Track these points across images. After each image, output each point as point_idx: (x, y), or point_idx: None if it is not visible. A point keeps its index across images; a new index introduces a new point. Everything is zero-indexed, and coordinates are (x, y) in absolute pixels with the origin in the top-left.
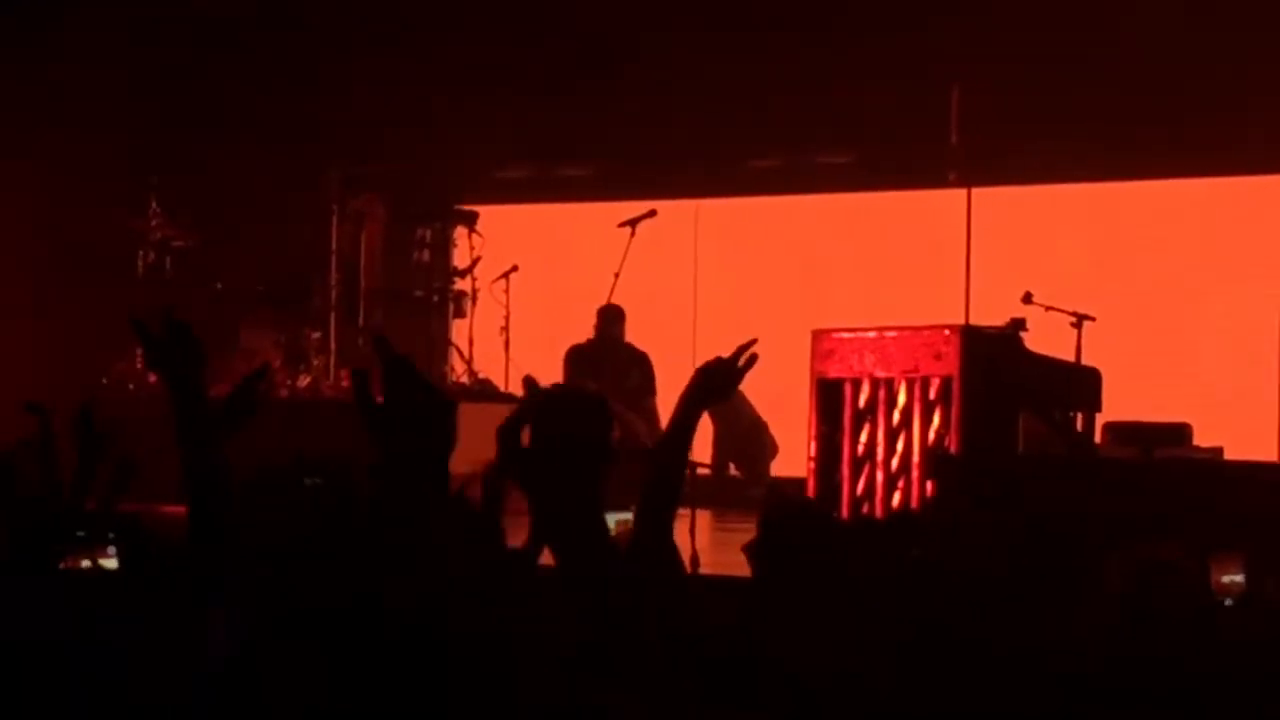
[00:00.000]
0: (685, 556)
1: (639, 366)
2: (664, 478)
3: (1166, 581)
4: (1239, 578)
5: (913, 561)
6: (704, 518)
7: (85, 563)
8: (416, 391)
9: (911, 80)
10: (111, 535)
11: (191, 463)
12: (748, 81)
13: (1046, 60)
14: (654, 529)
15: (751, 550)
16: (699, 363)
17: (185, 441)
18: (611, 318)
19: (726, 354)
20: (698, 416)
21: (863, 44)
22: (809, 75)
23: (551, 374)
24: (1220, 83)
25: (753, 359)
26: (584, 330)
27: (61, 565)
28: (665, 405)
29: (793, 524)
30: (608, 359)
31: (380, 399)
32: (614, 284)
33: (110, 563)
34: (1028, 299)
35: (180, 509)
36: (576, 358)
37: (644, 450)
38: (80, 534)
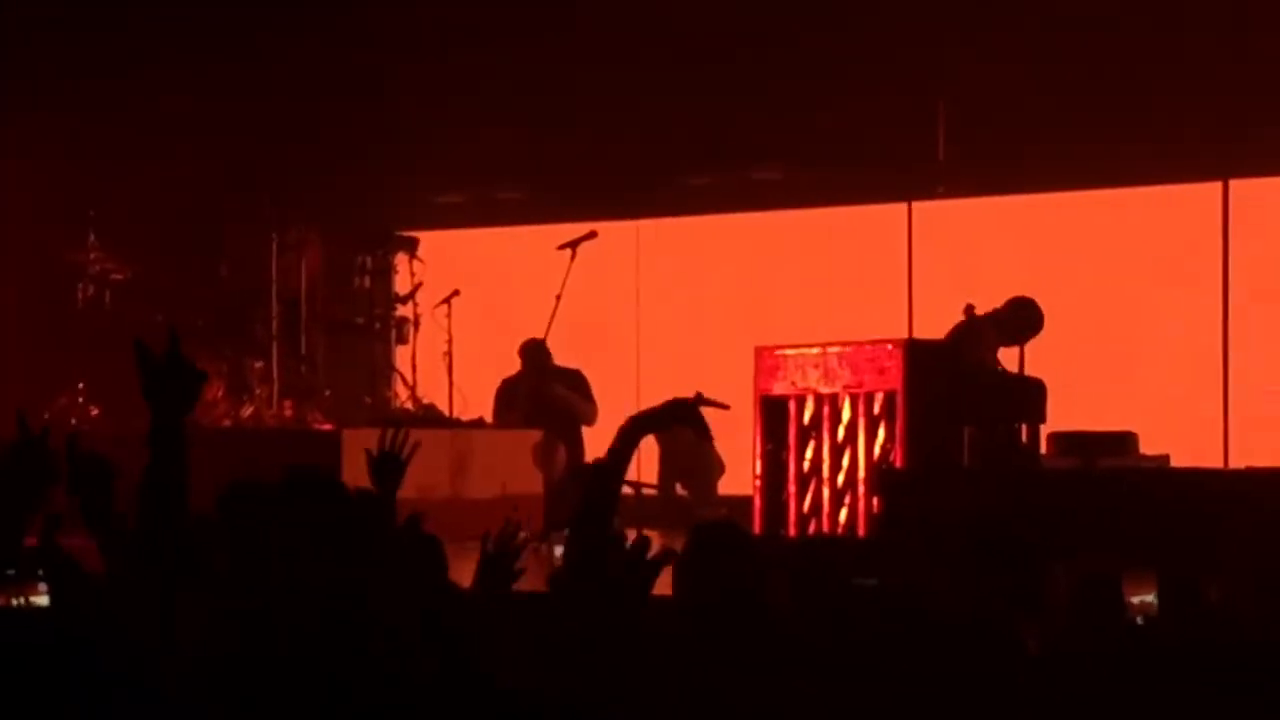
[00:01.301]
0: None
1: (566, 381)
2: (599, 493)
3: (1103, 595)
4: (1150, 598)
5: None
6: (651, 538)
7: (16, 600)
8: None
9: (846, 97)
10: (41, 572)
11: (154, 502)
12: (685, 100)
13: (995, 75)
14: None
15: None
16: (642, 381)
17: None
18: (531, 352)
19: (671, 374)
20: (639, 434)
21: (809, 60)
22: (747, 92)
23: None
24: (1155, 90)
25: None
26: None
27: None
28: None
29: (715, 544)
30: (534, 390)
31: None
32: (555, 306)
33: (40, 599)
34: (969, 312)
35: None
36: (504, 392)
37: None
38: (10, 572)
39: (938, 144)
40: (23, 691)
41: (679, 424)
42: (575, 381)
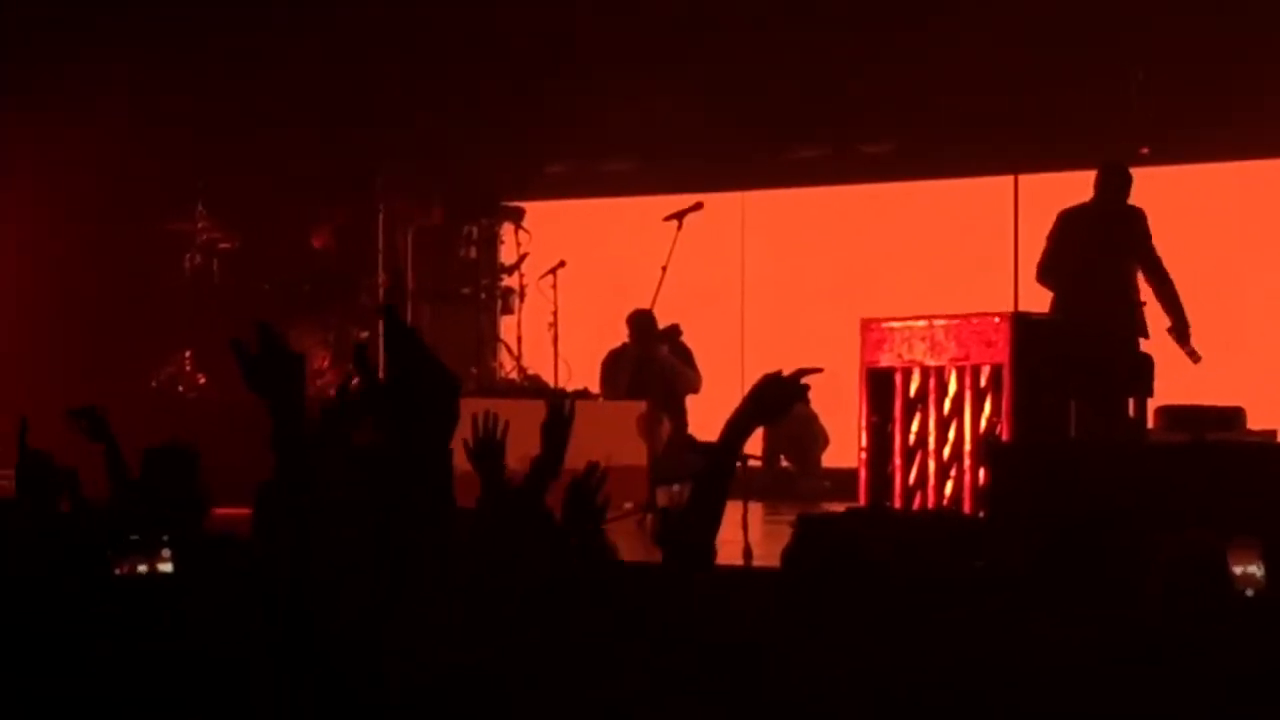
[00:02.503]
0: (738, 549)
1: (673, 346)
2: (708, 495)
3: (1205, 567)
4: (1256, 568)
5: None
6: (756, 510)
7: (141, 567)
8: (424, 369)
9: (955, 71)
10: (165, 538)
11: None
12: (791, 71)
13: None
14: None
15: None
16: (746, 354)
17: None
18: (639, 322)
19: (777, 347)
20: (748, 433)
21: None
22: (854, 63)
23: (598, 371)
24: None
25: (812, 370)
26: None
27: (117, 571)
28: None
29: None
30: (641, 364)
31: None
32: (661, 278)
33: (165, 566)
34: None
35: (238, 510)
36: (611, 363)
37: (696, 445)
38: (134, 538)
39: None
40: (146, 659)
41: (783, 406)
42: (680, 349)
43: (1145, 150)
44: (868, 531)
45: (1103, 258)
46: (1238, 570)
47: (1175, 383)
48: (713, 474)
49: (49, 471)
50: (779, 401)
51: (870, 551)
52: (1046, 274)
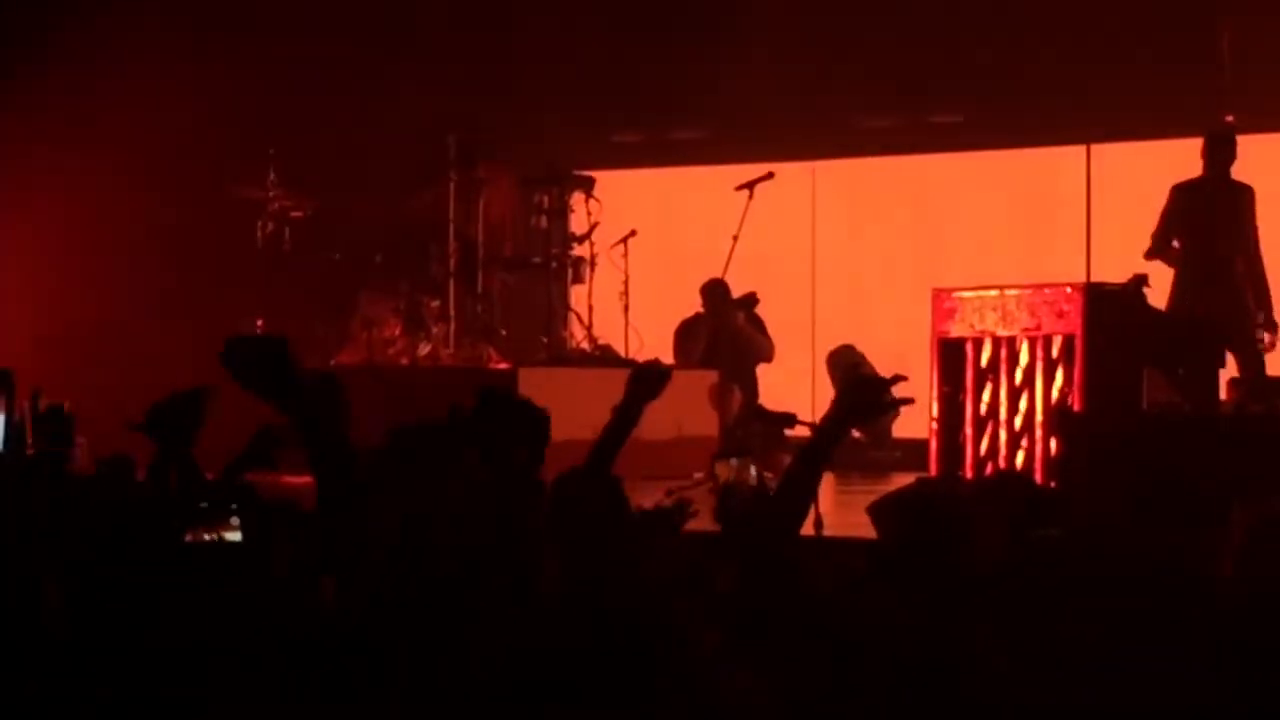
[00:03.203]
0: (810, 521)
1: (748, 313)
2: (795, 490)
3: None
4: None
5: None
6: (827, 480)
7: (208, 536)
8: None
9: (1021, 39)
10: (234, 507)
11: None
12: (863, 41)
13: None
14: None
15: (875, 512)
16: (818, 324)
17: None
18: (714, 290)
19: (847, 317)
20: (843, 435)
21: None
22: (921, 32)
23: (671, 339)
24: None
25: (905, 400)
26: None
27: (186, 539)
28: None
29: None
30: (716, 333)
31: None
32: (733, 247)
33: (234, 535)
34: (1150, 254)
35: (302, 479)
36: (685, 332)
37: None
38: (203, 506)
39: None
40: (212, 626)
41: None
42: (754, 318)
43: (1231, 118)
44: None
45: (1218, 231)
46: None
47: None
48: (799, 474)
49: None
50: (869, 405)
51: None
52: (1160, 250)
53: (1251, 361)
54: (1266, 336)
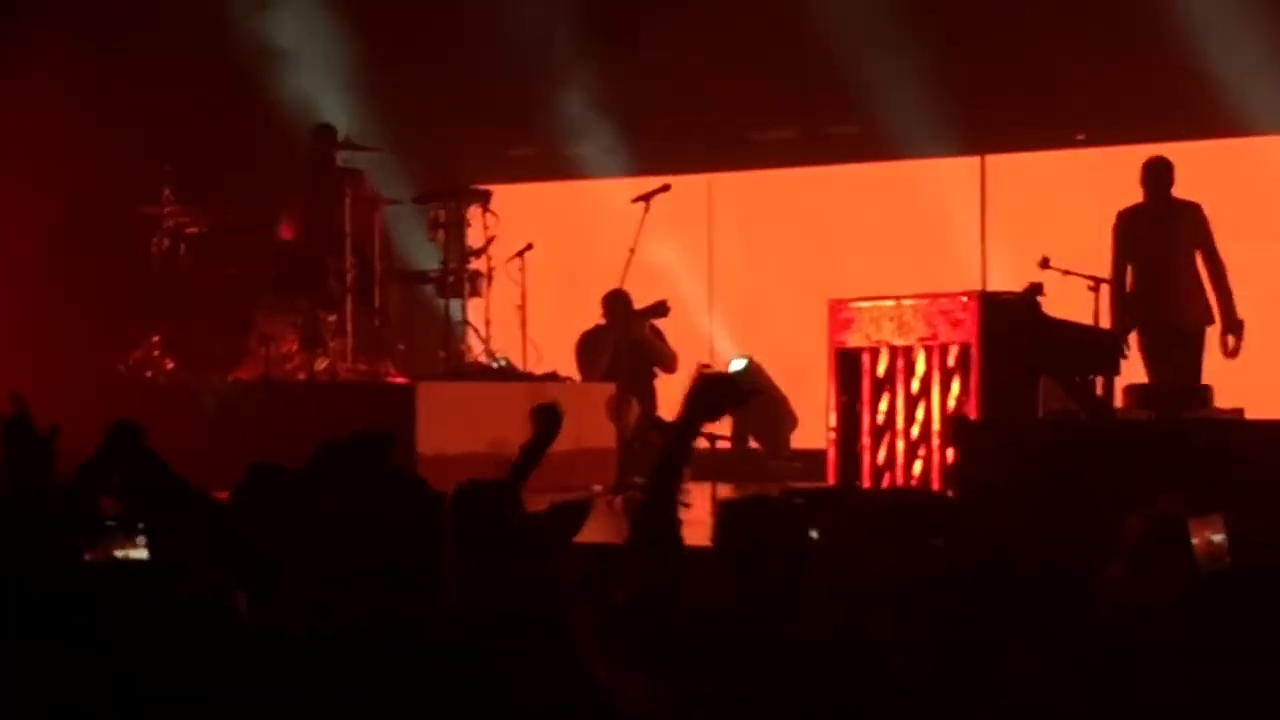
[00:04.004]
0: (707, 529)
1: (652, 324)
2: (658, 490)
3: (1172, 538)
4: (1219, 537)
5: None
6: (725, 491)
7: (116, 553)
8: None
9: (921, 51)
10: (141, 525)
11: None
12: (758, 54)
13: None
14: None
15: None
16: (716, 337)
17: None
18: (617, 301)
19: (744, 328)
20: (694, 433)
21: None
22: (816, 44)
23: (569, 352)
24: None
25: (753, 394)
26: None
27: (88, 556)
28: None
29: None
30: (620, 344)
31: None
32: (629, 259)
33: (139, 553)
34: (1045, 264)
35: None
36: (589, 344)
37: (664, 426)
38: (110, 523)
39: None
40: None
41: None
42: (655, 329)
43: (1081, 136)
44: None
45: (1169, 253)
46: (1203, 542)
47: (1142, 362)
48: (657, 475)
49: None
50: (715, 401)
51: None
52: (1122, 273)
53: (1191, 366)
54: (1230, 340)
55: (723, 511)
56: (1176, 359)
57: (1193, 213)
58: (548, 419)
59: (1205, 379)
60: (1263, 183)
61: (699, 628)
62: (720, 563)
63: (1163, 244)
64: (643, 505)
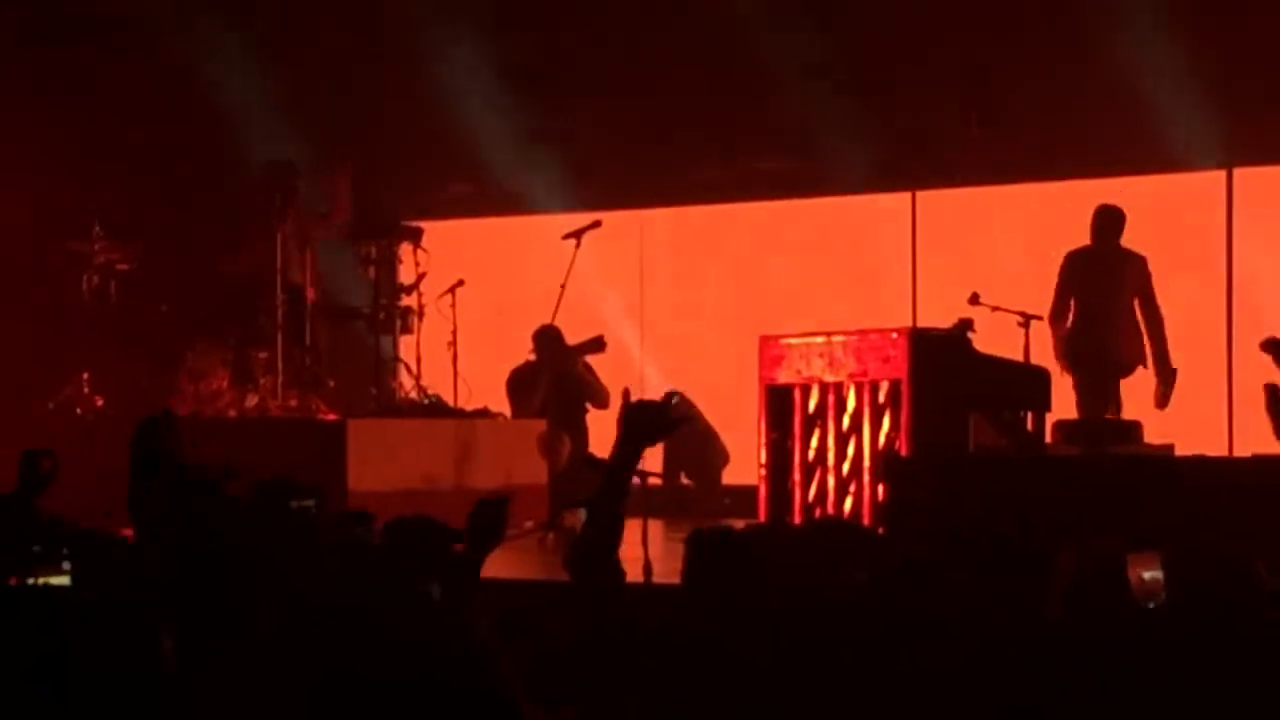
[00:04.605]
0: (639, 566)
1: (585, 360)
2: (604, 512)
3: (1105, 574)
4: (1157, 574)
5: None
6: (656, 527)
7: (35, 579)
8: None
9: (854, 89)
10: (66, 551)
11: None
12: (689, 91)
13: (998, 65)
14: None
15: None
16: (647, 372)
17: None
18: (550, 338)
19: (674, 364)
20: (636, 459)
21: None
22: (751, 84)
23: (499, 388)
24: (1155, 78)
25: (681, 420)
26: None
27: (13, 581)
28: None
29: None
30: (544, 381)
31: None
32: (560, 296)
33: (62, 579)
34: (975, 300)
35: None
36: (518, 381)
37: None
38: (35, 549)
39: (942, 132)
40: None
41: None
42: (588, 367)
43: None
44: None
45: (1112, 297)
46: (1138, 579)
47: (1071, 398)
48: (605, 494)
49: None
50: (649, 426)
51: (771, 562)
52: (1061, 312)
53: (1117, 399)
54: (1160, 390)
55: (697, 544)
56: (1110, 393)
57: (1138, 262)
58: (486, 512)
59: (1135, 416)
60: (1191, 218)
61: (669, 661)
62: (691, 595)
63: (1107, 288)
64: (584, 538)
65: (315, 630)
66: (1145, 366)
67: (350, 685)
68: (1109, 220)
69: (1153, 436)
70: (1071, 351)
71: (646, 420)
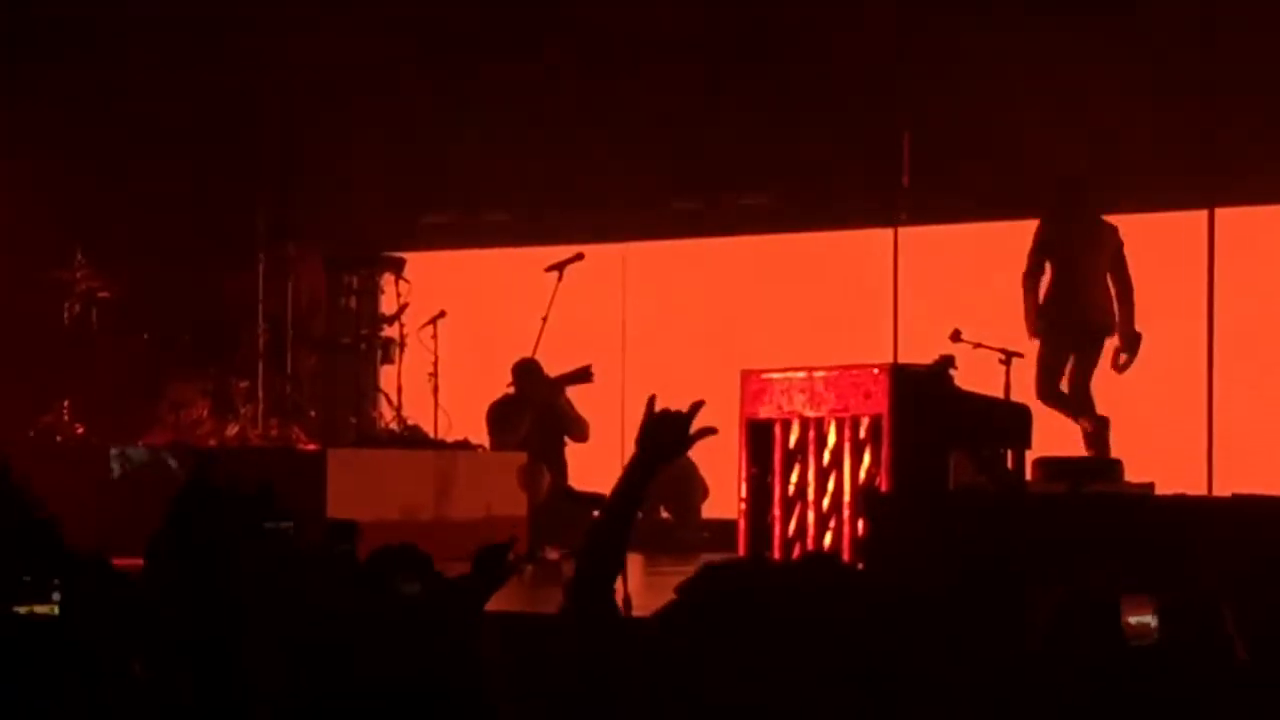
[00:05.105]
0: (618, 599)
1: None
2: (607, 536)
3: (1087, 615)
4: (1150, 619)
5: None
6: (635, 561)
7: (21, 608)
8: None
9: (837, 124)
10: (57, 582)
11: None
12: (672, 123)
13: (978, 102)
14: (593, 585)
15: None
16: (627, 405)
17: None
18: (531, 371)
19: (657, 397)
20: (649, 477)
21: (797, 87)
22: (734, 117)
23: (480, 420)
24: (1139, 118)
25: (708, 430)
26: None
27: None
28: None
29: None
30: (528, 413)
31: None
32: (541, 328)
33: (46, 609)
34: (956, 336)
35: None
36: (498, 414)
37: (575, 495)
38: (26, 579)
39: (904, 171)
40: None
41: (678, 443)
42: (568, 400)
43: (904, 215)
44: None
45: (1088, 266)
46: (1131, 621)
47: (1052, 436)
48: (611, 515)
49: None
50: (673, 440)
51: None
52: (1035, 273)
53: (1088, 368)
54: (1123, 357)
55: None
56: (1080, 360)
57: (1112, 233)
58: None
59: (1116, 453)
60: (1176, 260)
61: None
62: (695, 628)
63: (1086, 259)
64: (582, 563)
65: (301, 633)
66: (1113, 335)
67: (330, 685)
68: (1078, 190)
69: (1133, 475)
70: (1045, 318)
71: (668, 436)
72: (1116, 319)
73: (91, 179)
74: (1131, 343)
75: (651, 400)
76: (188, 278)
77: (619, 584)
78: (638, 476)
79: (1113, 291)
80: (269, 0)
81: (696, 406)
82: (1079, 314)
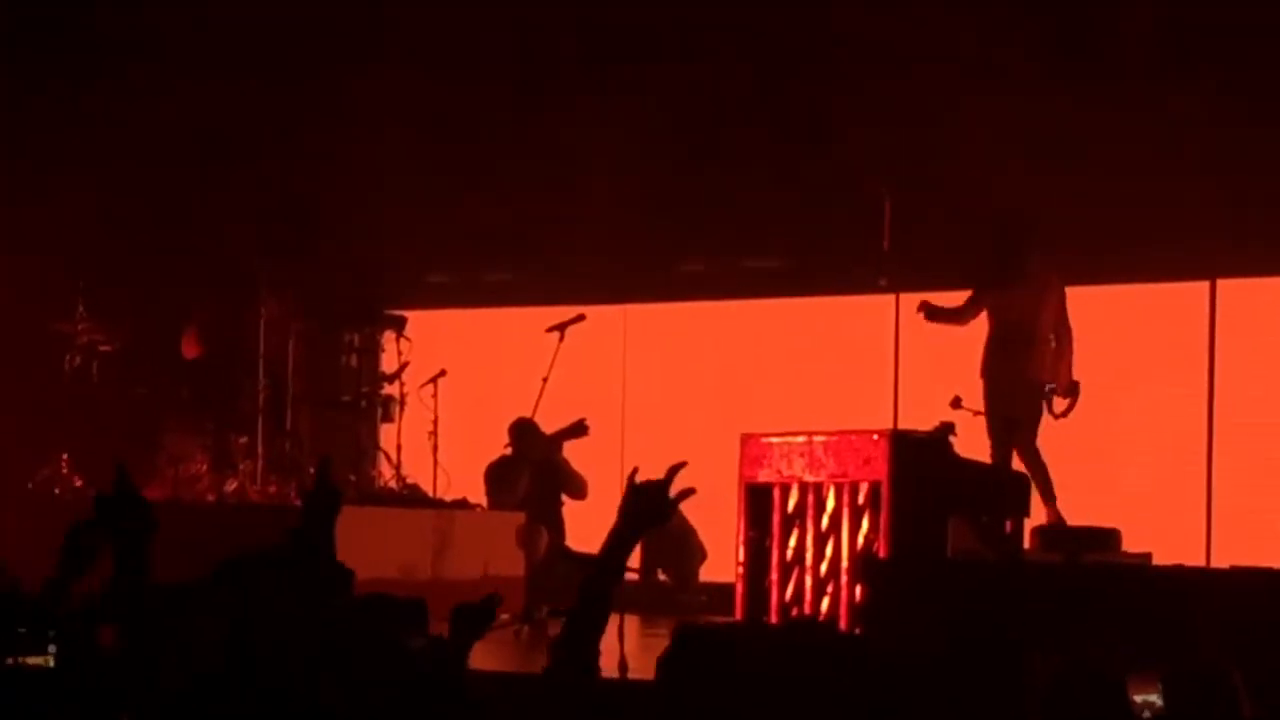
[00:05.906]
0: (614, 661)
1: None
2: (593, 600)
3: (1085, 685)
4: (1155, 698)
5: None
6: (632, 623)
7: (12, 659)
8: None
9: (841, 190)
10: (52, 634)
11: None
12: (676, 187)
13: (968, 168)
14: (577, 647)
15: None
16: (626, 468)
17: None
18: (529, 431)
19: (656, 460)
20: (633, 543)
21: (793, 153)
22: (737, 182)
23: (479, 479)
24: (1143, 188)
25: (687, 491)
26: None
27: None
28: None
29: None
30: (525, 473)
31: None
32: (542, 389)
33: (39, 660)
34: (956, 403)
35: None
36: (495, 474)
37: (572, 555)
38: (21, 630)
39: (885, 236)
40: None
41: (658, 513)
42: (565, 459)
43: (884, 281)
44: (744, 642)
45: (1031, 315)
46: (1137, 700)
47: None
48: (595, 584)
49: None
50: (652, 509)
51: (747, 662)
52: (972, 311)
53: (1028, 449)
54: (1061, 402)
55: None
56: (1023, 415)
57: (1057, 285)
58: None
59: (1114, 523)
60: (1177, 330)
61: None
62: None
63: (1030, 312)
64: (568, 624)
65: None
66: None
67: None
68: (1026, 233)
69: (1131, 545)
70: (989, 371)
71: (648, 504)
72: (1059, 372)
73: (92, 233)
74: (1070, 389)
75: (633, 474)
76: (188, 333)
77: (618, 645)
78: (617, 548)
79: (1054, 344)
80: (275, 71)
81: (674, 469)
82: (1023, 365)
